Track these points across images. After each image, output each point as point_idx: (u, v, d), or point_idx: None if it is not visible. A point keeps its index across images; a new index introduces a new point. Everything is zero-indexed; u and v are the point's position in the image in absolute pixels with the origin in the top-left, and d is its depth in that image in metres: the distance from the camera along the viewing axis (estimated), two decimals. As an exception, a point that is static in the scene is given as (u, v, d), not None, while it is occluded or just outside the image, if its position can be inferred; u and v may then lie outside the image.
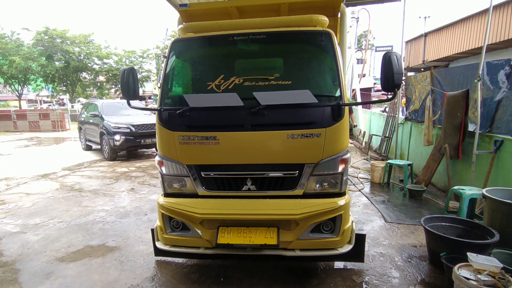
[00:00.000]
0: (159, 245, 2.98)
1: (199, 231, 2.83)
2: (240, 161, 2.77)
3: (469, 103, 4.91)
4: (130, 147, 9.37)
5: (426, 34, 13.67)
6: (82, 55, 23.84)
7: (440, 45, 10.91)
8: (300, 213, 2.67)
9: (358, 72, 18.40)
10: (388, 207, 5.01)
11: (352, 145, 10.99)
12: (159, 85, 3.01)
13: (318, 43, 2.91)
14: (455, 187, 4.20)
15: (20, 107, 27.37)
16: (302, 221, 2.70)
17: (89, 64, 24.52)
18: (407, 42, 14.62)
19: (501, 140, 4.26)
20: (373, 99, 17.13)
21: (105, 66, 25.28)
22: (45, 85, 29.22)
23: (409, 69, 15.04)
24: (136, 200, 5.58)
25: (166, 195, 3.02)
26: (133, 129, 9.20)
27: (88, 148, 11.51)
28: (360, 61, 22.64)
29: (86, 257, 3.51)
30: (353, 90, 15.45)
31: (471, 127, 5.01)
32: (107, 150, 9.46)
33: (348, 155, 2.82)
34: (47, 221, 4.61)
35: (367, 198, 5.49)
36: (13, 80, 24.42)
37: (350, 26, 18.93)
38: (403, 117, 8.08)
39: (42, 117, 19.21)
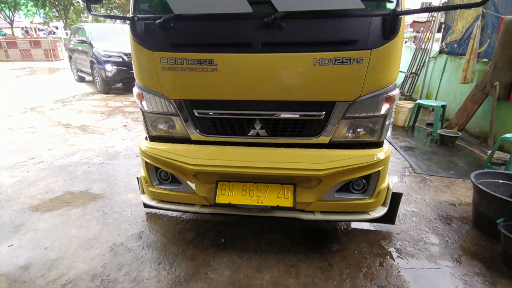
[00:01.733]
0: (144, 199, 2.40)
1: (192, 186, 2.21)
2: (247, 97, 2.01)
3: (538, 29, 3.85)
4: (124, 79, 8.46)
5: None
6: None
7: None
8: (326, 168, 1.99)
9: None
10: (415, 154, 4.35)
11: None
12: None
13: None
14: (507, 135, 3.45)
15: (13, 34, 25.61)
16: (327, 179, 2.04)
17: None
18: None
19: None
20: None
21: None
22: (36, 11, 26.95)
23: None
24: (128, 139, 4.97)
25: (151, 138, 2.34)
26: (125, 58, 8.17)
27: (81, 79, 10.62)
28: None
29: (65, 206, 3.01)
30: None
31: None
32: (100, 82, 8.60)
33: (397, 91, 2.02)
34: (26, 161, 4.07)
35: (390, 143, 4.81)
36: (2, 6, 22.33)
37: None
38: (437, 50, 6.92)
39: (33, 45, 17.86)
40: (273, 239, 2.49)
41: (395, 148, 4.57)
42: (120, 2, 22.67)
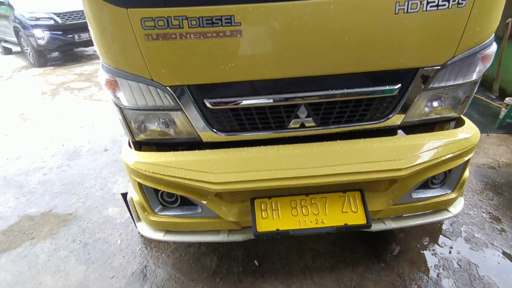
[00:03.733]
0: (143, 231, 1.70)
1: (215, 209, 1.54)
2: (289, 72, 1.33)
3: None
4: (61, 46, 6.91)
5: None
6: None
7: None
8: (409, 165, 1.42)
9: None
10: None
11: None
12: None
13: None
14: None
15: None
16: (406, 178, 1.49)
17: None
18: None
19: None
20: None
21: None
22: None
23: None
24: (86, 126, 3.97)
25: (137, 145, 1.59)
26: (58, 20, 6.56)
27: (8, 51, 8.70)
28: None
29: (26, 240, 2.20)
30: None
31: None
32: (31, 53, 6.96)
33: (494, 46, 1.44)
34: (-49, 177, 3.03)
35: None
36: None
37: None
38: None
39: None
40: (318, 250, 1.97)
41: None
42: None
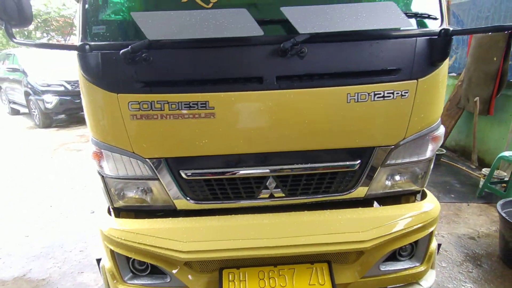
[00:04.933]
0: (112, 300, 1.67)
1: (183, 279, 1.55)
2: (257, 148, 1.47)
3: (511, 44, 3.87)
4: (68, 110, 7.34)
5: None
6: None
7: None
8: (372, 237, 1.48)
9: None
10: (408, 177, 4.08)
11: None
12: (76, -2, 1.45)
13: None
14: (505, 154, 3.30)
15: None
16: (372, 250, 1.54)
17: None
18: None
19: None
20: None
21: (32, 10, 20.51)
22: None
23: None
24: (78, 188, 4.04)
25: (117, 211, 1.66)
26: (68, 86, 7.12)
27: (15, 112, 9.18)
28: None
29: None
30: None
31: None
32: (38, 115, 7.37)
33: (442, 128, 1.62)
34: None
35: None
36: None
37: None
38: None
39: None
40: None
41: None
42: (58, 24, 20.23)
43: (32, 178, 4.39)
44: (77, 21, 1.41)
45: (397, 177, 1.65)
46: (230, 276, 1.51)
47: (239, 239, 1.47)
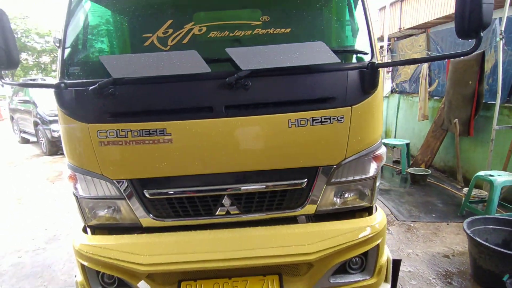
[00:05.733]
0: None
1: (146, 291, 1.68)
2: (211, 170, 1.64)
3: (484, 68, 4.07)
4: (73, 138, 7.69)
5: None
6: (18, 32, 20.27)
7: (418, 10, 10.14)
8: (316, 250, 1.61)
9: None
10: (392, 198, 4.16)
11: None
12: (57, 44, 1.71)
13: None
14: (481, 174, 3.39)
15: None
16: (319, 262, 1.65)
17: (28, 43, 21.01)
18: (380, 9, 13.77)
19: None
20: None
21: (48, 44, 21.86)
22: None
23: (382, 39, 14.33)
24: (74, 212, 4.21)
25: (91, 229, 1.83)
26: (74, 116, 7.50)
27: (25, 141, 9.61)
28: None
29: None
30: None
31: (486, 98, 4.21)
32: (45, 143, 7.74)
33: (384, 148, 1.78)
34: None
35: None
36: None
37: None
38: (389, 89, 7.26)
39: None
40: None
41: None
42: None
43: (31, 202, 4.61)
44: (57, 63, 1.67)
45: (346, 195, 1.78)
46: (188, 287, 1.63)
47: (196, 252, 1.61)
